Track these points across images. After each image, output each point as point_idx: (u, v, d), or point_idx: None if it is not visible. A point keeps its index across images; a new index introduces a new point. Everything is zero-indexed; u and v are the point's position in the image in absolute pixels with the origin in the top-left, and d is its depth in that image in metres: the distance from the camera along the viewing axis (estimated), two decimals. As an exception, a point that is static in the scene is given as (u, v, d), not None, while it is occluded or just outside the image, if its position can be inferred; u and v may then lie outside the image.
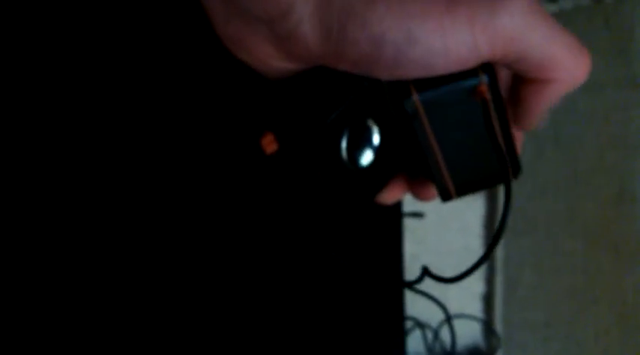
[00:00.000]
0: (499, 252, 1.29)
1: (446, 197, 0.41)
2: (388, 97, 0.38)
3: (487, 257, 0.38)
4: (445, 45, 0.32)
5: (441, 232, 1.20)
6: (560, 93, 0.36)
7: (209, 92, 0.41)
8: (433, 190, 0.44)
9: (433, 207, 1.15)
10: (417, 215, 1.00)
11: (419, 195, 0.45)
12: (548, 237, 1.27)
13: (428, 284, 1.07)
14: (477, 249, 1.27)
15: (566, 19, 1.31)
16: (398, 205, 0.57)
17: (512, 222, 1.31)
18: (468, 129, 0.37)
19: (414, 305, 1.08)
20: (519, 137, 0.41)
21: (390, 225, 0.57)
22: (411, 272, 1.03)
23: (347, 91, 0.38)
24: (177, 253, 0.45)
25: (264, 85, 0.39)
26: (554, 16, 1.32)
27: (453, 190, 0.40)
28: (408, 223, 1.03)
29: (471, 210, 1.26)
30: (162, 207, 0.44)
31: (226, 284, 0.47)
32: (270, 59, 0.37)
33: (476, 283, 1.27)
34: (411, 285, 0.41)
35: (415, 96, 0.36)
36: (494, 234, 0.37)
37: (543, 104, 0.37)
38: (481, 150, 0.38)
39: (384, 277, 0.53)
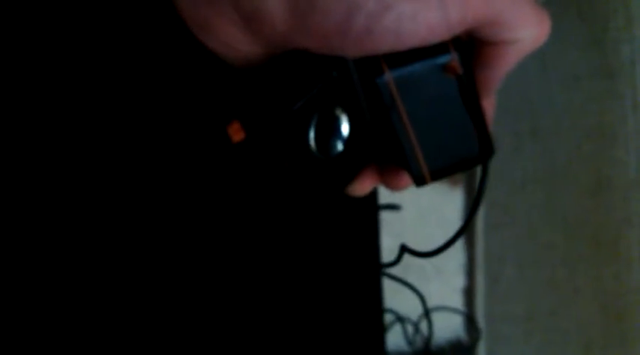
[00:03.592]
0: (479, 246, 1.29)
1: (420, 182, 0.40)
2: (358, 80, 0.37)
3: (465, 228, 0.38)
4: (416, 10, 0.32)
5: (419, 226, 1.20)
6: (525, 53, 0.37)
7: (175, 80, 0.40)
8: (405, 178, 0.43)
9: (410, 200, 1.15)
10: (394, 207, 1.00)
11: (391, 185, 0.44)
12: (528, 230, 1.27)
13: (408, 279, 1.07)
14: (457, 243, 1.27)
15: (539, 11, 1.31)
16: (374, 197, 0.56)
17: (491, 215, 1.31)
18: (441, 108, 0.37)
19: (394, 299, 1.08)
20: (490, 116, 0.41)
21: (365, 217, 0.56)
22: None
23: (314, 79, 0.38)
24: (147, 240, 0.45)
25: (231, 72, 0.38)
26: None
27: (428, 174, 0.39)
28: (385, 216, 1.02)
29: (449, 203, 1.26)
30: (130, 194, 0.44)
31: (191, 274, 0.46)
32: (237, 43, 0.36)
33: (456, 278, 1.27)
34: (389, 266, 0.41)
35: (387, 74, 0.35)
36: (472, 203, 0.36)
37: (508, 66, 0.37)
38: (455, 130, 0.38)
39: (361, 263, 0.53)
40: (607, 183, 1.20)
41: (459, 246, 1.27)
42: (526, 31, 0.36)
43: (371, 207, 0.56)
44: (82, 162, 0.42)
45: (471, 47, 0.38)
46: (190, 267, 0.46)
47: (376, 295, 0.56)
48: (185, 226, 0.46)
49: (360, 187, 0.44)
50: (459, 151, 0.39)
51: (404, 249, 0.41)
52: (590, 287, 1.20)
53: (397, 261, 0.40)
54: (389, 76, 0.35)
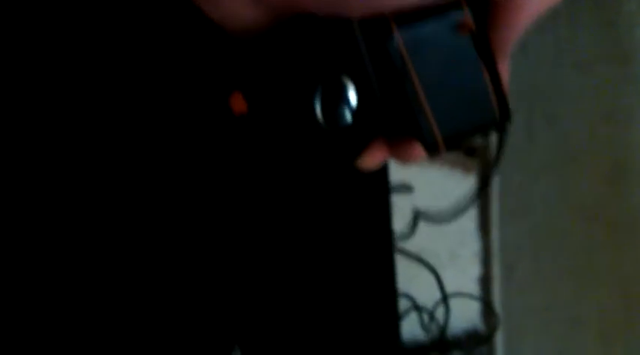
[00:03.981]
0: (494, 234, 1.28)
1: (433, 149, 0.38)
2: (362, 42, 0.36)
3: (482, 191, 0.37)
4: None
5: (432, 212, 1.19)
6: (539, 11, 0.35)
7: (177, 51, 0.39)
8: (417, 149, 0.42)
9: (423, 186, 1.13)
10: (407, 188, 0.99)
11: (402, 157, 0.43)
12: (544, 218, 1.26)
13: (422, 268, 1.06)
14: (471, 231, 1.25)
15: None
16: (385, 177, 0.55)
17: (507, 204, 1.30)
18: (454, 69, 0.36)
19: (410, 287, 1.07)
20: (505, 80, 0.40)
21: (377, 198, 0.55)
22: (402, 256, 1.02)
23: (318, 48, 0.37)
24: (150, 214, 0.44)
25: (233, 43, 0.37)
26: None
27: (441, 141, 0.38)
28: (398, 202, 1.01)
29: (464, 191, 1.24)
30: (131, 164, 0.43)
31: (194, 252, 0.45)
32: (240, 10, 0.35)
33: (472, 266, 1.26)
34: (407, 237, 0.39)
35: (397, 34, 0.34)
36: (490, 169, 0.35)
37: (523, 25, 0.36)
38: (468, 93, 0.36)
39: (374, 242, 0.52)
40: (623, 168, 1.18)
41: (474, 233, 1.26)
42: None
43: (382, 187, 0.55)
44: (79, 130, 0.41)
45: (484, 7, 0.37)
46: (196, 247, 0.45)
47: (390, 275, 0.55)
48: (188, 201, 0.45)
49: (370, 160, 0.43)
50: (473, 116, 0.37)
51: (417, 216, 0.39)
52: (610, 273, 1.18)
53: (412, 230, 0.39)
54: (398, 36, 0.34)
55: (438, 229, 1.18)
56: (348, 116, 0.38)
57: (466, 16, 0.34)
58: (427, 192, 1.13)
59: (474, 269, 1.27)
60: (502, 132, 0.38)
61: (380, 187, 0.56)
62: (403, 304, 1.06)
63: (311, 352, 0.51)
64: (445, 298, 1.05)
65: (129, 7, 0.39)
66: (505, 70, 0.39)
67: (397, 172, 1.08)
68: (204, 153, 0.45)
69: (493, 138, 1.30)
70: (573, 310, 1.22)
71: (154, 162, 0.44)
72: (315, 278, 0.51)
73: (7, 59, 0.40)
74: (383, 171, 0.55)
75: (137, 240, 0.44)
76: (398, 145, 0.43)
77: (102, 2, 0.40)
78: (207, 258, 0.46)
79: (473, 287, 1.26)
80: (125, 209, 0.43)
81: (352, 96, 0.38)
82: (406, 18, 0.34)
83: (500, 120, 0.37)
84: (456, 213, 0.40)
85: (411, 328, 1.08)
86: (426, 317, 1.08)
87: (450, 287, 1.18)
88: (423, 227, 1.08)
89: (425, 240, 1.05)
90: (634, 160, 1.18)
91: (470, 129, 0.38)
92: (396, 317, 0.58)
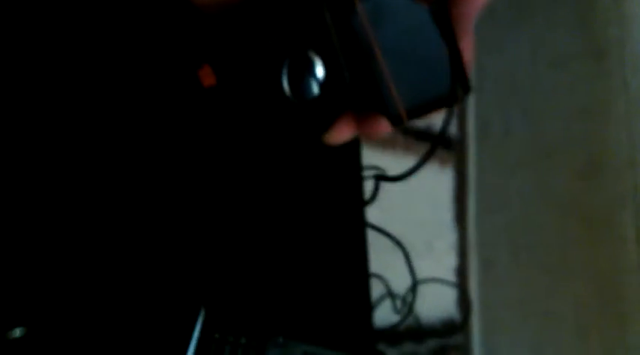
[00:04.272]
0: (471, 227, 1.29)
1: (397, 121, 0.39)
2: (328, 15, 0.36)
3: (439, 140, 0.37)
4: None
5: (408, 203, 1.19)
6: None
7: (146, 23, 0.39)
8: (382, 124, 0.42)
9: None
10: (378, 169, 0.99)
11: (368, 131, 0.43)
12: (521, 213, 1.27)
13: (397, 257, 1.06)
14: (448, 224, 1.26)
15: (527, -8, 1.32)
16: (357, 159, 0.56)
17: (484, 200, 1.31)
18: (416, 42, 0.36)
19: (385, 273, 1.07)
20: (468, 55, 0.40)
21: (349, 179, 0.56)
22: (378, 243, 1.02)
23: (286, 23, 0.37)
24: (124, 190, 0.44)
25: (202, 17, 0.37)
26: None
27: (404, 113, 0.38)
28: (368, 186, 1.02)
29: (439, 183, 1.25)
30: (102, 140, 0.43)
31: (163, 220, 0.45)
32: None
33: (448, 257, 1.26)
34: (368, 203, 0.40)
35: (359, 4, 0.34)
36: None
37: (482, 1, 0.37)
38: (430, 66, 0.37)
39: (345, 221, 0.52)
40: (599, 164, 1.19)
41: (450, 225, 1.27)
42: None
43: (354, 168, 0.56)
44: (58, 108, 0.42)
45: None
46: (165, 214, 0.45)
47: (362, 256, 0.55)
48: (159, 182, 0.45)
49: (338, 135, 0.43)
50: (435, 89, 0.38)
51: (379, 178, 0.40)
52: (585, 268, 1.19)
53: (374, 195, 0.39)
54: (362, 10, 0.35)
55: (414, 220, 1.19)
56: (315, 89, 0.38)
57: None
58: (403, 183, 1.13)
59: (450, 260, 1.27)
60: (459, 103, 0.39)
61: (352, 169, 0.56)
62: (378, 290, 1.06)
63: (280, 322, 0.51)
64: (415, 282, 1.05)
65: None
66: (468, 45, 0.40)
67: (371, 159, 1.09)
68: (173, 125, 0.45)
69: (471, 130, 1.31)
70: (549, 303, 1.23)
71: (126, 131, 0.44)
72: (286, 251, 0.51)
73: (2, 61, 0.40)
74: (355, 152, 0.55)
75: (108, 204, 0.44)
76: (364, 120, 0.43)
77: None
78: (177, 225, 0.46)
79: (449, 276, 1.27)
80: (99, 174, 0.44)
81: (320, 71, 0.38)
82: None
83: (460, 93, 0.37)
84: (412, 170, 0.41)
85: (386, 316, 1.09)
86: (399, 303, 1.09)
87: (426, 276, 1.18)
88: (396, 213, 1.09)
89: (401, 230, 1.05)
90: (608, 156, 1.19)
91: (431, 102, 0.39)
92: (368, 297, 0.59)
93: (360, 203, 0.55)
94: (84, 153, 0.43)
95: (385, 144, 1.15)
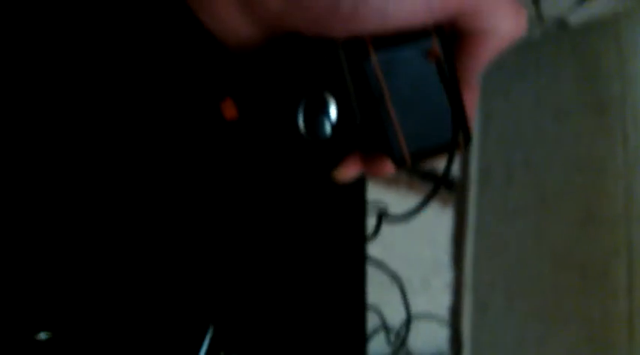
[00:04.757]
0: (467, 268, 1.30)
1: (400, 163, 0.41)
2: (345, 62, 0.39)
3: (441, 182, 0.39)
4: None
5: (408, 242, 1.21)
6: (503, 45, 0.39)
7: (173, 56, 0.42)
8: (387, 165, 0.45)
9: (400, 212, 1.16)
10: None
11: (373, 171, 0.46)
12: (517, 259, 1.28)
13: (394, 291, 1.07)
14: (445, 263, 1.28)
15: (534, 46, 1.35)
16: (362, 196, 0.58)
17: (482, 243, 1.32)
18: (422, 92, 0.39)
19: (381, 307, 1.08)
20: (470, 108, 0.43)
21: (353, 216, 0.58)
22: (376, 278, 1.03)
23: (304, 64, 0.40)
24: (136, 213, 0.46)
25: (228, 53, 0.40)
26: (521, 43, 1.35)
27: (408, 156, 0.41)
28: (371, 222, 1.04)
29: (439, 223, 1.27)
30: (122, 169, 0.45)
31: (175, 252, 0.47)
32: (235, 24, 0.38)
33: (443, 295, 1.28)
34: (370, 238, 0.42)
35: (373, 55, 0.37)
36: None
37: (487, 57, 0.39)
38: (435, 114, 0.40)
39: (346, 254, 0.54)
40: (596, 215, 1.21)
41: (447, 263, 1.28)
42: (504, 21, 0.38)
43: (359, 205, 0.58)
44: (75, 137, 0.43)
45: (454, 38, 0.40)
46: (177, 237, 0.47)
47: (360, 289, 0.57)
48: (173, 202, 0.47)
49: (345, 172, 0.46)
50: (437, 136, 0.40)
51: (382, 216, 0.42)
52: (578, 316, 1.20)
53: (376, 231, 0.42)
54: (374, 58, 0.37)
55: (412, 257, 1.21)
56: (328, 129, 0.41)
57: (434, 44, 0.38)
58: (405, 223, 1.15)
59: (445, 299, 1.28)
60: (463, 152, 0.41)
61: (356, 205, 0.58)
62: (373, 322, 1.07)
63: (279, 342, 0.52)
64: (409, 317, 1.07)
65: (127, 10, 0.42)
66: (471, 98, 0.43)
67: (375, 196, 1.11)
68: (194, 154, 0.47)
69: (473, 174, 1.33)
70: (541, 350, 1.24)
71: (146, 161, 0.46)
72: (289, 279, 0.53)
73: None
74: (360, 189, 0.58)
75: (123, 232, 0.46)
76: (371, 160, 0.46)
77: (100, 6, 0.43)
78: (190, 248, 0.48)
79: (443, 314, 1.28)
80: (115, 206, 0.45)
81: (333, 111, 0.41)
82: (383, 42, 0.38)
83: (460, 142, 0.40)
84: (414, 211, 0.43)
85: (380, 348, 1.10)
86: (392, 336, 1.10)
87: (421, 311, 1.19)
88: (395, 250, 1.11)
89: (399, 265, 1.07)
90: (605, 208, 1.21)
91: (434, 148, 0.41)
92: (363, 328, 0.60)
93: (362, 238, 0.57)
94: (105, 176, 0.45)
95: (389, 181, 1.18)
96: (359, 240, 0.56)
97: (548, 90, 1.32)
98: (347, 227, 0.57)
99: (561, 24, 1.24)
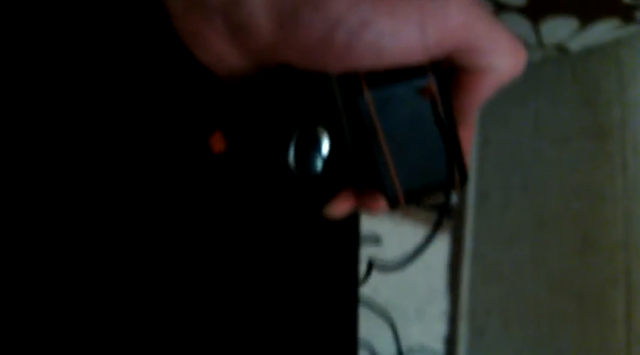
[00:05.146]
0: (463, 296, 1.29)
1: (394, 203, 0.40)
2: (339, 97, 0.38)
3: (431, 238, 0.39)
4: (395, 28, 0.34)
5: (403, 269, 1.20)
6: (501, 83, 0.38)
7: (162, 87, 0.41)
8: (381, 201, 0.44)
9: (395, 243, 1.15)
10: (374, 240, 1.00)
11: (366, 207, 0.45)
12: (514, 285, 1.27)
13: (386, 326, 1.06)
14: (440, 290, 1.26)
15: (533, 70, 1.34)
16: (355, 228, 0.57)
17: (479, 269, 1.31)
18: (417, 130, 0.38)
19: (372, 340, 1.07)
20: (466, 145, 0.42)
21: (346, 248, 0.57)
22: (368, 310, 1.02)
23: (297, 98, 0.39)
24: (118, 246, 0.45)
25: (218, 84, 0.39)
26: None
27: (402, 195, 0.40)
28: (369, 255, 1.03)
29: (435, 250, 1.26)
30: (109, 200, 0.44)
31: (161, 284, 0.46)
32: (225, 56, 0.37)
33: (438, 324, 1.26)
34: (361, 283, 0.41)
35: (367, 93, 0.36)
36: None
37: (484, 95, 0.38)
38: (429, 153, 0.39)
39: (338, 289, 0.53)
40: (594, 242, 1.20)
41: (443, 292, 1.27)
42: (502, 58, 0.37)
43: (352, 237, 0.57)
44: (62, 170, 0.43)
45: (450, 75, 0.39)
46: (158, 271, 0.46)
47: (352, 327, 0.56)
48: (161, 233, 0.46)
49: (338, 208, 0.45)
50: (432, 175, 0.39)
51: (371, 266, 0.41)
52: (575, 345, 1.19)
53: (366, 277, 0.41)
54: (368, 95, 0.36)
55: (407, 285, 1.19)
56: (319, 165, 0.40)
57: (430, 82, 0.36)
58: (397, 247, 1.15)
59: (441, 328, 1.27)
60: (459, 191, 0.40)
61: (350, 237, 0.57)
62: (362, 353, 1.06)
63: None
64: (400, 352, 1.05)
65: (118, 41, 0.41)
66: (467, 135, 0.42)
67: (369, 224, 1.10)
68: (181, 187, 0.46)
69: (470, 199, 1.32)
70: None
71: (130, 196, 0.45)
72: (277, 313, 0.52)
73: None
74: (354, 222, 0.57)
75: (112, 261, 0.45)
76: (364, 196, 0.45)
77: (92, 36, 0.42)
78: (173, 285, 0.47)
79: (438, 344, 1.26)
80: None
81: (325, 147, 0.40)
82: (377, 78, 0.36)
83: (455, 182, 0.39)
84: (404, 261, 0.42)
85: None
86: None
87: (414, 344, 1.18)
88: (391, 278, 1.09)
89: (393, 294, 1.06)
90: (603, 236, 1.20)
91: (428, 187, 0.40)
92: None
93: (354, 282, 0.56)
94: (87, 216, 0.44)
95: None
96: (351, 280, 0.55)
97: (547, 115, 1.32)
98: (339, 265, 0.56)
99: (561, 49, 1.24)
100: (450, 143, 0.38)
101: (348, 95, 0.37)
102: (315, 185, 0.41)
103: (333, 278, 0.55)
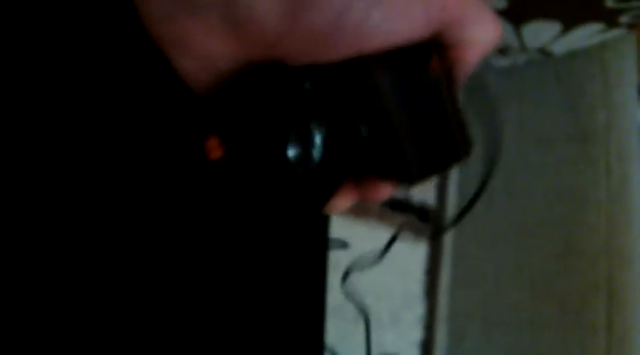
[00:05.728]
0: (442, 300, 1.28)
1: (409, 180, 0.40)
2: (344, 84, 0.37)
3: (400, 232, 0.38)
4: (405, 4, 0.33)
5: (379, 273, 1.19)
6: (482, 53, 0.39)
7: (155, 95, 0.40)
8: (384, 189, 0.43)
9: (372, 245, 1.14)
10: (343, 244, 0.99)
11: (370, 196, 0.44)
12: (496, 289, 1.27)
13: (359, 328, 1.05)
14: (417, 294, 1.25)
15: (517, 73, 1.34)
16: (324, 232, 0.56)
17: (460, 271, 1.30)
18: (425, 107, 0.38)
19: (342, 346, 1.06)
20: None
21: (314, 252, 0.56)
22: (341, 312, 1.01)
23: (291, 95, 0.38)
24: (116, 253, 0.44)
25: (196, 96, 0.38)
26: (505, 69, 1.34)
27: (417, 172, 0.39)
28: (346, 260, 1.02)
29: (412, 254, 1.25)
30: (106, 208, 0.43)
31: (153, 290, 0.46)
32: (213, 57, 0.36)
33: (414, 330, 1.25)
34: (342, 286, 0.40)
35: (377, 74, 0.36)
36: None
37: (469, 67, 0.39)
38: (437, 129, 0.39)
39: (306, 288, 0.52)
40: (576, 247, 1.20)
41: (419, 296, 1.26)
42: (485, 29, 0.37)
43: (321, 241, 0.56)
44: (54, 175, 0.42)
45: (440, 50, 0.39)
46: (154, 278, 0.45)
47: (319, 332, 0.55)
48: (158, 241, 0.45)
49: (342, 202, 0.44)
50: (440, 150, 0.40)
51: (347, 273, 0.40)
52: (556, 351, 1.19)
53: (344, 279, 0.40)
54: (378, 76, 0.36)
55: (383, 289, 1.19)
56: (319, 158, 0.39)
57: (435, 59, 0.37)
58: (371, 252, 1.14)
59: (416, 334, 1.26)
60: (463, 162, 0.40)
61: (318, 241, 0.56)
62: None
63: None
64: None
65: (107, 49, 0.40)
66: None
67: (343, 229, 1.09)
68: (178, 195, 0.46)
69: (451, 201, 1.31)
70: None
71: (131, 201, 0.44)
72: (242, 321, 0.51)
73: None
74: (323, 226, 0.56)
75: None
76: (365, 186, 0.44)
77: (81, 45, 0.41)
78: (163, 291, 0.46)
79: (413, 351, 1.26)
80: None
81: (324, 140, 0.39)
82: (382, 61, 0.36)
83: (464, 154, 0.40)
84: (377, 257, 0.41)
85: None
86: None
87: (389, 350, 1.18)
88: (365, 283, 1.09)
89: (368, 299, 1.05)
90: (586, 241, 1.20)
91: (438, 163, 0.40)
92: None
93: (322, 287, 0.55)
94: (83, 225, 0.43)
95: (359, 213, 1.16)
96: (318, 284, 0.54)
97: (531, 117, 1.32)
98: (307, 270, 0.55)
99: (544, 52, 1.23)
100: (457, 117, 0.39)
101: (357, 79, 0.36)
102: (316, 180, 0.40)
103: (301, 283, 0.54)
